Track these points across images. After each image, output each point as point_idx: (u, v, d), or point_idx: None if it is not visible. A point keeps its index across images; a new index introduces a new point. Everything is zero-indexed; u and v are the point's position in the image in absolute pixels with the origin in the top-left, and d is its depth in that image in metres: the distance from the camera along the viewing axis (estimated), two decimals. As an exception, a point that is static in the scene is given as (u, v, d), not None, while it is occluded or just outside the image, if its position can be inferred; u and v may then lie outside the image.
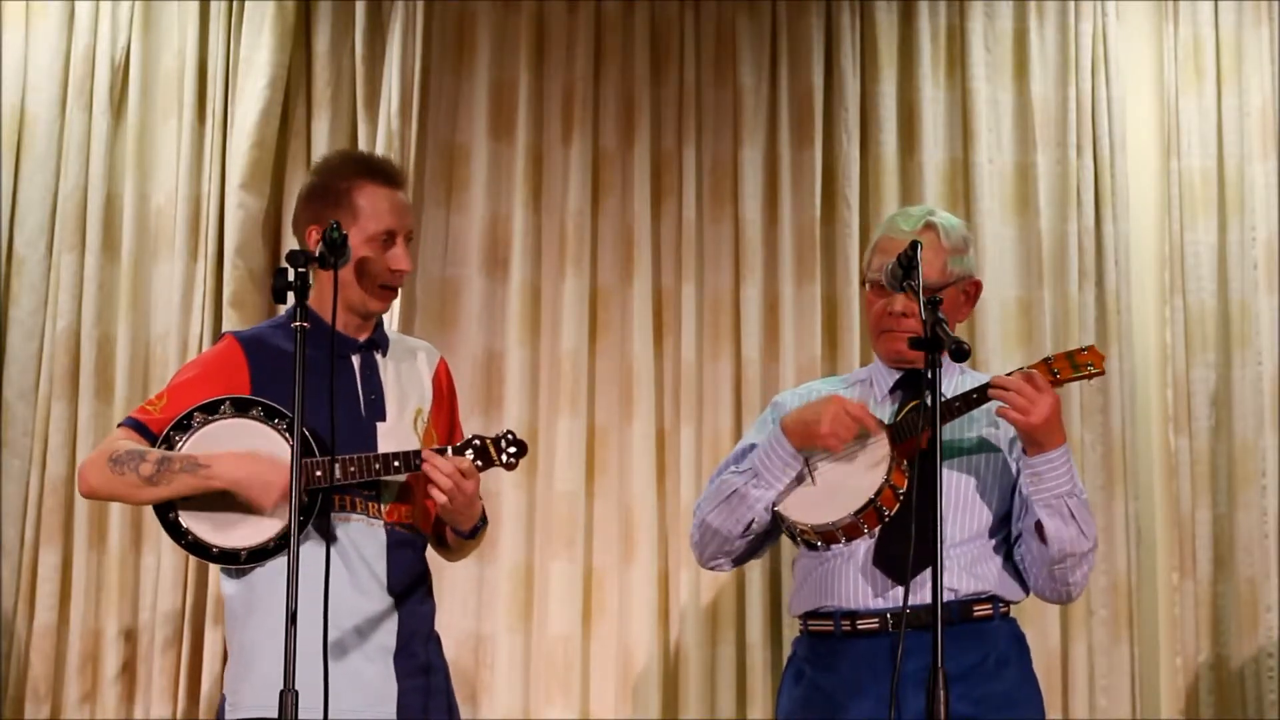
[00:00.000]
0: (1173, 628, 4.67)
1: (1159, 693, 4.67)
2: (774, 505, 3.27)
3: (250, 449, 3.12)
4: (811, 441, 3.20)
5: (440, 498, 3.16)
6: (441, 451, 3.17)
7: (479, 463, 3.19)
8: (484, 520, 3.35)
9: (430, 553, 3.38)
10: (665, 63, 4.80)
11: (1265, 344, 4.72)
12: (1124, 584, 4.62)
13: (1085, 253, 4.74)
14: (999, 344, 4.67)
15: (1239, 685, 4.63)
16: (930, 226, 3.32)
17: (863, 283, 3.42)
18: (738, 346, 4.69)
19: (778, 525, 3.33)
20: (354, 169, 3.30)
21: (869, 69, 4.80)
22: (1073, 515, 3.16)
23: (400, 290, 3.44)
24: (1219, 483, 4.70)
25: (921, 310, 2.94)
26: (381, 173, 3.31)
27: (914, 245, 3.02)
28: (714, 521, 3.33)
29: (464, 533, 3.32)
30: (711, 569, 3.49)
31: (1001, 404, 3.13)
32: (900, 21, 4.83)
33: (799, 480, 3.26)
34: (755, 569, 4.51)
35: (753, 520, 3.30)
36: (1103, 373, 3.23)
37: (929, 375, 2.87)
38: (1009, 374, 3.15)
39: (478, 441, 3.20)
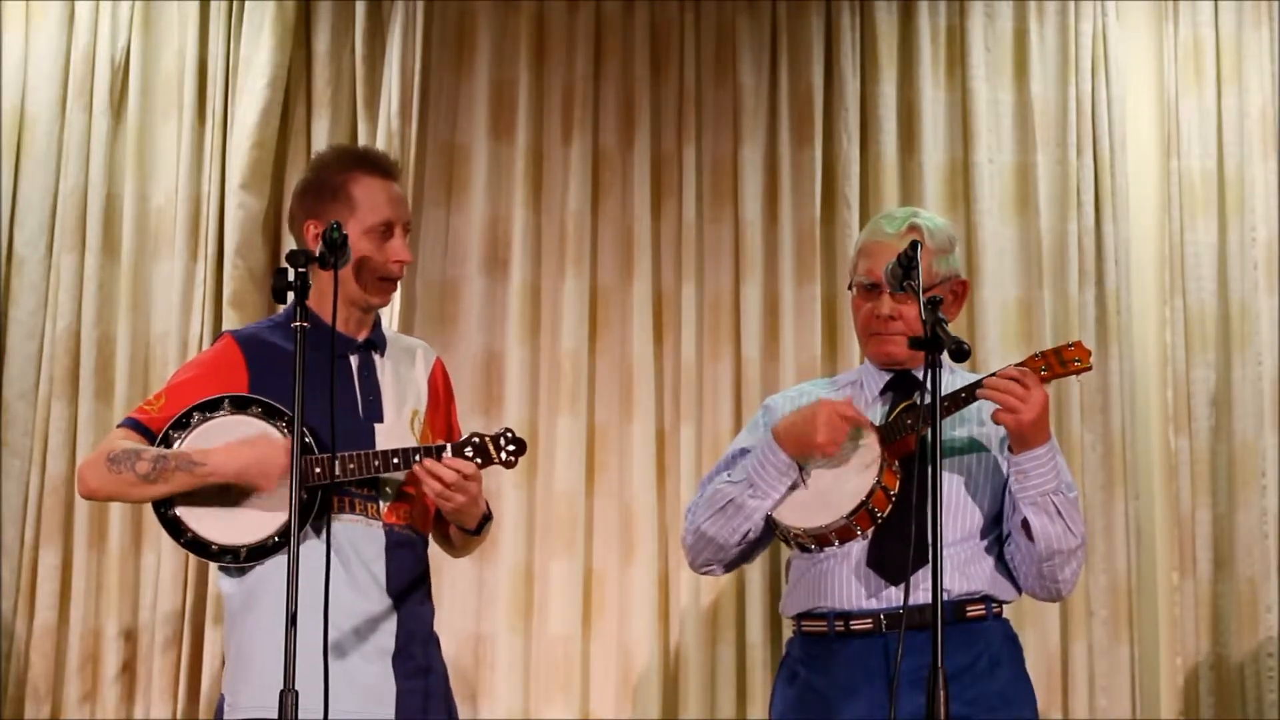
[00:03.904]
0: (1173, 628, 4.67)
1: (1159, 693, 4.67)
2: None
3: (240, 437, 3.12)
4: (809, 451, 3.20)
5: (444, 505, 3.16)
6: (441, 449, 3.17)
7: (478, 460, 3.18)
8: (489, 516, 3.35)
9: (431, 552, 3.37)
10: (665, 63, 4.80)
11: (1265, 344, 4.72)
12: (1124, 584, 4.62)
13: (1085, 253, 4.75)
14: (999, 344, 4.67)
15: (1239, 685, 4.63)
16: (914, 228, 3.31)
17: (849, 286, 3.41)
18: (738, 346, 4.69)
19: (771, 529, 3.33)
20: (349, 162, 3.30)
21: (869, 69, 4.80)
22: (1059, 512, 3.16)
23: (400, 289, 3.43)
24: (1219, 483, 4.70)
25: (922, 311, 2.94)
26: (376, 164, 3.30)
27: (914, 246, 3.02)
28: (709, 531, 3.33)
29: (470, 530, 3.33)
30: (703, 574, 3.50)
31: (992, 404, 3.13)
32: (900, 21, 4.83)
33: (792, 486, 3.26)
34: (755, 570, 4.51)
35: (749, 530, 3.30)
36: (1090, 368, 3.23)
37: (927, 376, 2.87)
38: (997, 373, 3.15)
39: (477, 439, 3.20)
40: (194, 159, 4.61)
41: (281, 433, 3.13)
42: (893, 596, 3.17)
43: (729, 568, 3.45)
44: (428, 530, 3.35)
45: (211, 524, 3.14)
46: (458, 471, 3.13)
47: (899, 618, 2.89)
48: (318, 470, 3.09)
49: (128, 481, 3.11)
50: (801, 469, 3.24)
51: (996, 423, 3.14)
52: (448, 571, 4.29)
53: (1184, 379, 4.73)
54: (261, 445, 3.10)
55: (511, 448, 3.22)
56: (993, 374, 3.16)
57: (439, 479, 3.13)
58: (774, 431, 3.24)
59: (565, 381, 4.63)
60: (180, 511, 3.14)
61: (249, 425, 3.15)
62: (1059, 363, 3.17)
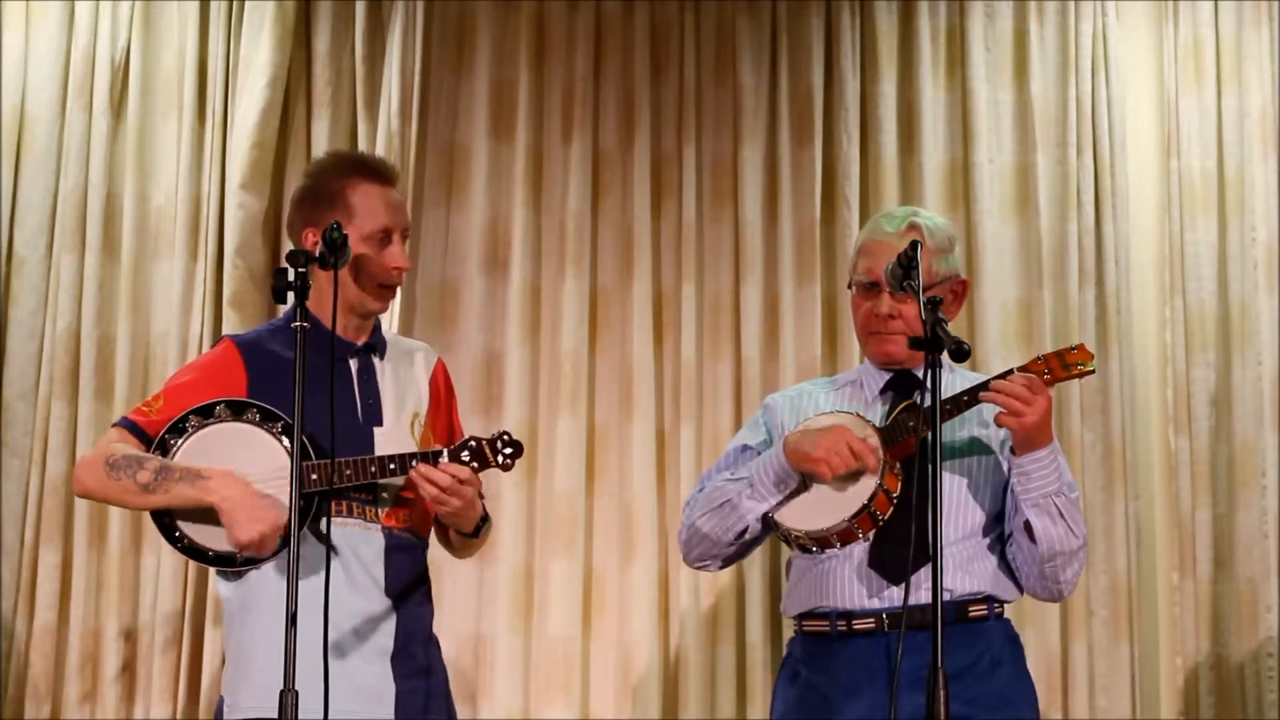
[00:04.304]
0: (1173, 628, 4.67)
1: (1159, 693, 4.67)
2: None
3: (255, 484, 3.11)
4: (807, 469, 3.20)
5: (440, 509, 3.17)
6: (437, 454, 3.17)
7: (474, 464, 3.18)
8: (485, 518, 3.35)
9: (430, 554, 3.37)
10: (665, 63, 4.81)
11: (1265, 344, 4.72)
12: (1124, 584, 4.62)
13: (1085, 253, 4.75)
14: (999, 344, 4.67)
15: (1239, 685, 4.63)
16: (914, 227, 3.31)
17: (849, 285, 3.41)
18: (738, 346, 4.69)
19: (768, 528, 3.32)
20: (347, 168, 3.30)
21: (869, 69, 4.80)
22: (1061, 514, 3.16)
23: (400, 290, 3.43)
24: (1219, 483, 4.70)
25: (922, 311, 2.93)
26: (375, 171, 3.30)
27: (914, 246, 3.02)
28: (704, 527, 3.32)
29: (467, 533, 3.32)
30: (697, 569, 3.49)
31: (995, 406, 3.12)
32: (900, 21, 4.83)
33: (792, 490, 3.25)
34: (755, 569, 4.51)
35: (744, 530, 3.29)
36: (1093, 371, 3.23)
37: (928, 376, 2.86)
38: (1001, 375, 3.15)
39: (473, 443, 3.19)
40: (194, 159, 4.61)
41: (279, 441, 3.13)
42: (895, 596, 3.16)
43: (724, 564, 3.43)
44: (428, 533, 3.35)
45: (208, 531, 3.13)
46: (453, 476, 3.13)
47: (901, 617, 2.89)
48: (314, 477, 3.09)
49: (126, 489, 3.11)
50: (804, 477, 3.24)
51: (1000, 425, 3.14)
52: (448, 572, 4.29)
53: (1184, 379, 4.73)
54: (261, 502, 3.08)
55: (508, 451, 3.22)
56: (999, 376, 3.15)
57: (434, 483, 3.13)
58: (785, 440, 3.24)
59: (565, 381, 4.63)
60: (177, 518, 3.14)
61: (246, 432, 3.15)
62: (1061, 366, 3.17)
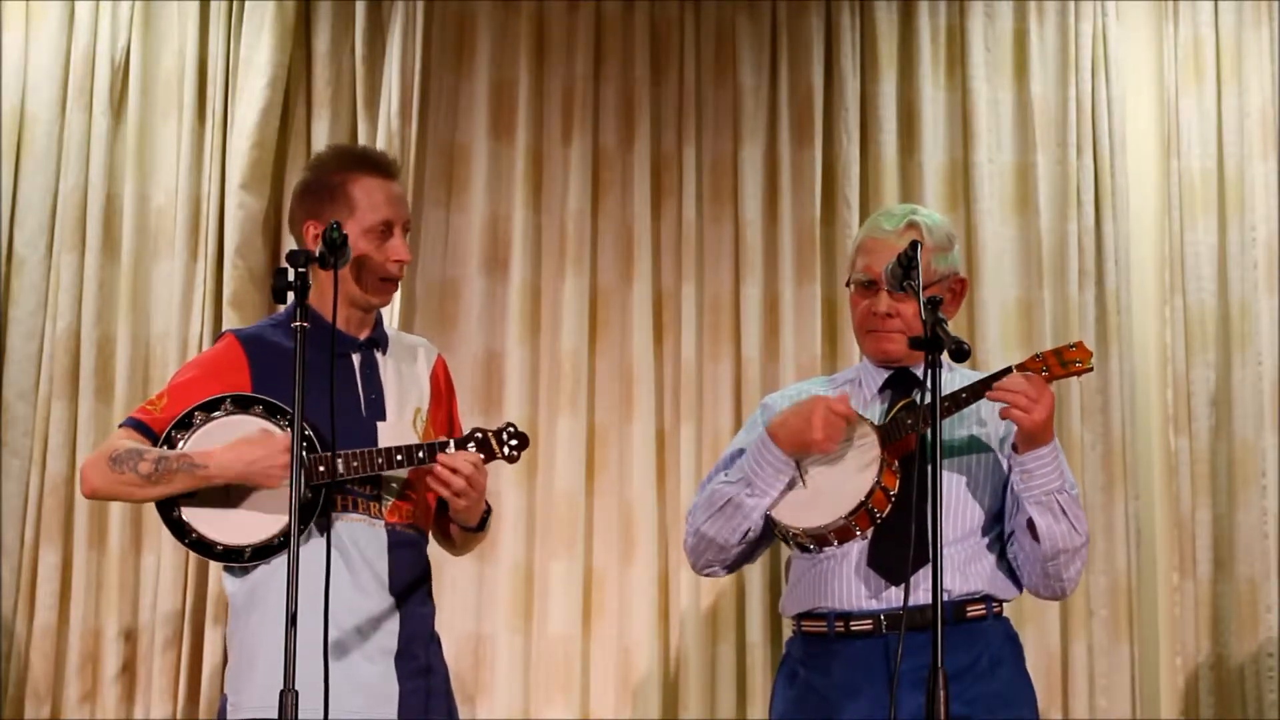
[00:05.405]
0: (1173, 628, 4.67)
1: (1159, 693, 4.67)
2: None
3: (241, 436, 3.12)
4: (804, 448, 3.19)
5: (458, 502, 3.17)
6: (444, 445, 3.17)
7: (481, 455, 3.19)
8: (488, 511, 3.35)
9: (431, 552, 3.37)
10: (665, 63, 4.81)
11: (1265, 344, 4.72)
12: (1124, 584, 4.62)
13: (1085, 253, 4.75)
14: (999, 344, 4.67)
15: (1239, 685, 4.63)
16: (913, 225, 3.31)
17: (847, 283, 3.41)
18: (738, 346, 4.69)
19: (771, 528, 3.32)
20: (348, 162, 3.30)
21: (869, 69, 4.81)
22: (1063, 511, 3.16)
23: (400, 289, 3.43)
24: (1219, 483, 4.70)
25: (922, 310, 2.93)
26: (375, 164, 3.30)
27: (914, 245, 3.02)
28: (709, 531, 3.32)
29: (472, 526, 3.33)
30: (706, 575, 3.49)
31: (998, 404, 3.12)
32: (900, 21, 4.83)
33: (790, 484, 3.25)
34: (755, 570, 4.51)
35: (749, 529, 3.29)
36: (1091, 369, 3.23)
37: (928, 375, 2.86)
38: (1000, 374, 3.15)
39: (479, 435, 3.21)
40: (194, 159, 4.61)
41: (282, 429, 3.13)
42: (893, 597, 3.16)
43: (731, 568, 3.43)
44: (428, 528, 3.36)
45: (216, 525, 3.14)
46: (474, 465, 3.14)
47: (899, 618, 2.89)
48: (321, 469, 3.09)
49: (130, 482, 3.11)
50: (799, 464, 3.23)
51: (1006, 419, 3.13)
52: (448, 571, 4.29)
53: (1184, 379, 4.74)
54: (262, 444, 3.10)
55: (514, 442, 3.23)
56: (996, 375, 3.15)
57: (459, 473, 3.13)
58: (769, 429, 3.23)
59: (565, 381, 4.63)
60: (185, 513, 3.14)
61: (251, 425, 3.15)
62: (1059, 363, 3.17)
